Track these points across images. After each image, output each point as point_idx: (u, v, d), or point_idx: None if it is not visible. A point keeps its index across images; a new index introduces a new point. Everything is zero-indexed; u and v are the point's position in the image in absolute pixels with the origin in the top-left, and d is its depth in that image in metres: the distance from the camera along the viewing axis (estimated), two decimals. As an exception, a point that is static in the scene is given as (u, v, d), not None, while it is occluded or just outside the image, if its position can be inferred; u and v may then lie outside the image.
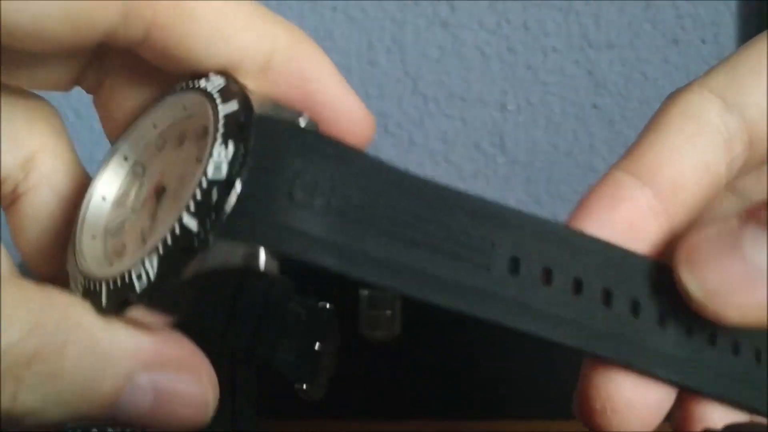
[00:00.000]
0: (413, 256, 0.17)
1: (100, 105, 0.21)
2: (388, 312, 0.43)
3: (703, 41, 0.57)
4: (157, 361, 0.16)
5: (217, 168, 0.16)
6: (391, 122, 0.57)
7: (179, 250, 0.16)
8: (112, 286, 0.17)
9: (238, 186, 0.16)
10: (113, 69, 0.20)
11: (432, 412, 0.43)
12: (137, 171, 0.20)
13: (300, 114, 0.18)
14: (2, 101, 0.19)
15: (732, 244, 0.18)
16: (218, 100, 0.17)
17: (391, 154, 0.57)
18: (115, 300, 0.16)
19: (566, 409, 0.46)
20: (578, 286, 0.19)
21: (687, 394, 0.20)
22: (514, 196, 0.58)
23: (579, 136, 0.57)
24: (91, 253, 0.18)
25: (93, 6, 0.17)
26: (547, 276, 0.18)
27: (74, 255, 0.19)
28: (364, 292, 0.42)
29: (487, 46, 0.57)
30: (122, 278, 0.16)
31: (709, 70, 0.21)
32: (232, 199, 0.16)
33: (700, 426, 0.20)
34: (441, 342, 0.42)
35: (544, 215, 0.19)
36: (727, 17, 0.57)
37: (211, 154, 0.16)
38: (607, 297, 0.19)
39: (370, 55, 0.56)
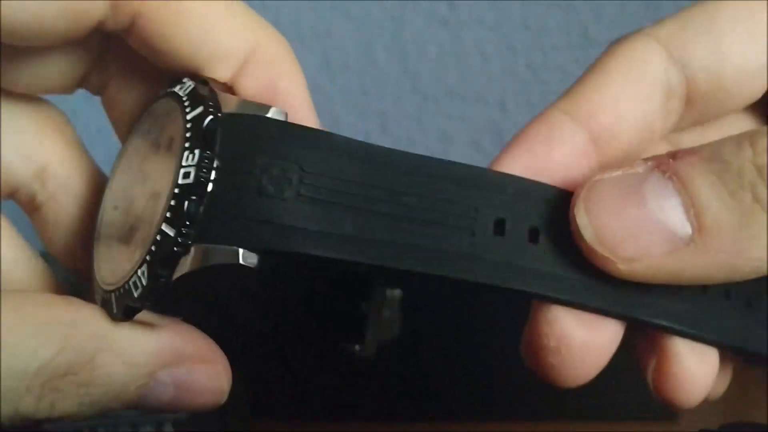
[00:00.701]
0: (394, 231, 0.17)
1: (107, 105, 0.22)
2: (387, 312, 0.42)
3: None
4: (176, 358, 0.18)
5: (186, 174, 0.17)
6: (391, 121, 0.57)
7: (162, 258, 0.17)
8: (117, 295, 0.18)
9: (207, 189, 0.17)
10: (115, 70, 0.21)
11: (430, 413, 0.43)
12: (140, 177, 0.20)
13: (268, 107, 0.18)
14: (10, 113, 0.20)
15: (634, 190, 0.17)
16: (186, 105, 0.18)
17: (390, 153, 0.57)
18: (120, 307, 0.17)
19: (566, 410, 0.46)
20: (562, 241, 0.18)
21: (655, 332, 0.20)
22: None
23: (579, 135, 0.57)
24: (106, 262, 0.19)
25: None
26: (533, 234, 0.18)
27: (94, 265, 0.19)
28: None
29: (486, 45, 0.57)
30: (123, 286, 0.17)
31: (661, 20, 0.21)
32: (203, 203, 0.17)
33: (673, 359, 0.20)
34: (439, 343, 0.42)
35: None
36: (728, 16, 0.57)
37: (180, 162, 0.17)
38: None
39: (370, 53, 0.56)
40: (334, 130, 0.20)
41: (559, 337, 0.18)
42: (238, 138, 0.17)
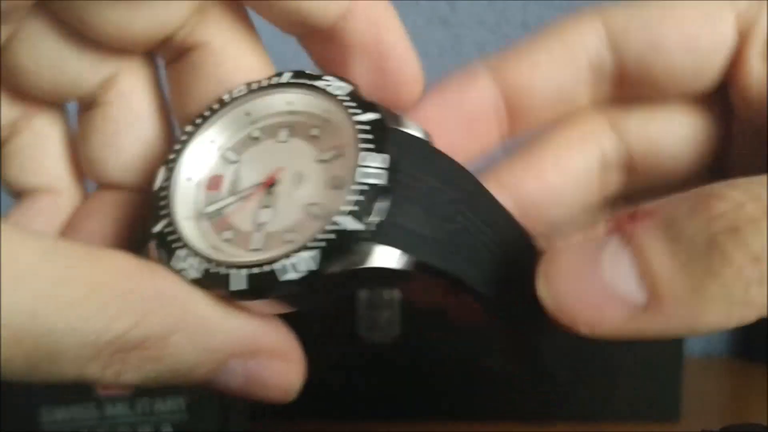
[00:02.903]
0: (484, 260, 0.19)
1: (173, 77, 0.21)
2: (387, 314, 0.42)
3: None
4: (251, 350, 0.17)
5: (370, 176, 0.17)
6: (390, 121, 0.56)
7: (335, 249, 0.17)
8: (247, 273, 0.17)
9: (389, 195, 0.17)
10: (207, 34, 0.21)
11: (430, 413, 0.43)
12: (228, 157, 0.20)
13: (419, 127, 0.19)
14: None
15: (591, 259, 0.17)
16: (351, 106, 0.19)
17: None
18: (252, 287, 0.17)
19: (564, 411, 0.46)
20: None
21: None
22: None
23: (579, 135, 0.57)
24: (192, 233, 0.19)
25: None
26: None
27: (177, 232, 0.19)
28: (363, 294, 0.42)
29: (486, 45, 0.57)
30: (261, 267, 0.17)
31: (618, 4, 0.22)
32: (385, 206, 0.17)
33: None
34: (440, 344, 0.42)
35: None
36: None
37: (361, 163, 0.18)
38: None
39: (369, 53, 0.56)
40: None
41: None
42: (405, 154, 0.18)
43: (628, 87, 0.22)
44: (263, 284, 0.17)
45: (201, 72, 0.20)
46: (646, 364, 0.43)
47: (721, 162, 0.23)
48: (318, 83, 0.19)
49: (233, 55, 0.20)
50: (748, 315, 0.16)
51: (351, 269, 0.17)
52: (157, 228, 0.19)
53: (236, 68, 0.20)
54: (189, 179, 0.20)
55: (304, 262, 0.17)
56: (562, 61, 0.22)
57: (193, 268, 0.18)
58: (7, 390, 0.32)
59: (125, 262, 0.16)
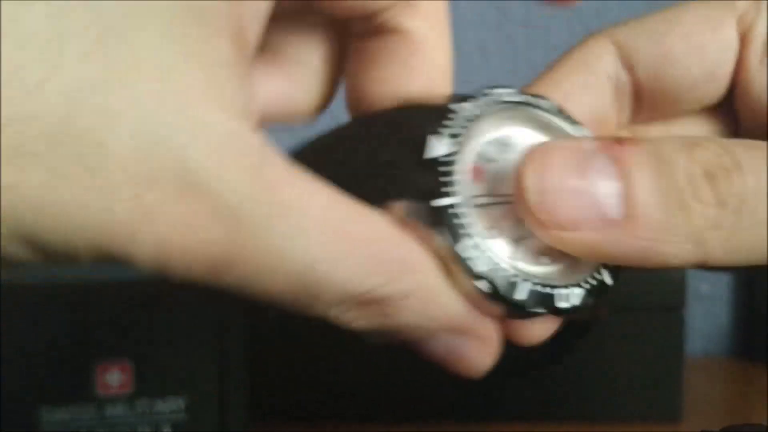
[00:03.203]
0: None
1: (362, 53, 0.21)
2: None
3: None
4: (463, 328, 0.19)
5: None
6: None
7: (594, 294, 0.20)
8: (530, 288, 0.19)
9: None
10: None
11: (431, 414, 0.43)
12: (488, 153, 0.20)
13: None
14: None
15: (581, 164, 0.18)
16: None
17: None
18: (530, 301, 0.19)
19: (564, 411, 0.46)
20: None
21: None
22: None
23: (580, 134, 0.57)
24: (478, 227, 0.19)
25: None
26: None
27: (465, 218, 0.19)
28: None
29: (488, 44, 0.57)
30: (543, 288, 0.19)
31: (623, 23, 0.23)
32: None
33: None
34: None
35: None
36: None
37: None
38: None
39: (370, 52, 0.56)
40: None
41: None
42: None
43: (645, 103, 0.23)
44: (540, 302, 0.19)
45: (394, 57, 0.21)
46: (647, 364, 0.43)
47: None
48: (567, 125, 0.21)
49: (430, 49, 0.21)
50: (699, 256, 0.18)
51: (593, 310, 0.20)
52: (441, 202, 0.19)
53: (430, 62, 0.21)
54: (468, 163, 0.20)
55: (576, 297, 0.19)
56: (591, 87, 0.22)
57: (483, 263, 0.19)
58: (7, 390, 0.32)
59: (386, 226, 0.18)
